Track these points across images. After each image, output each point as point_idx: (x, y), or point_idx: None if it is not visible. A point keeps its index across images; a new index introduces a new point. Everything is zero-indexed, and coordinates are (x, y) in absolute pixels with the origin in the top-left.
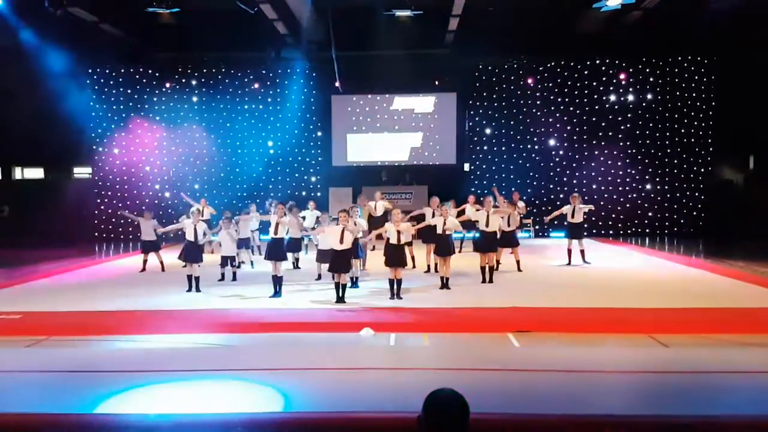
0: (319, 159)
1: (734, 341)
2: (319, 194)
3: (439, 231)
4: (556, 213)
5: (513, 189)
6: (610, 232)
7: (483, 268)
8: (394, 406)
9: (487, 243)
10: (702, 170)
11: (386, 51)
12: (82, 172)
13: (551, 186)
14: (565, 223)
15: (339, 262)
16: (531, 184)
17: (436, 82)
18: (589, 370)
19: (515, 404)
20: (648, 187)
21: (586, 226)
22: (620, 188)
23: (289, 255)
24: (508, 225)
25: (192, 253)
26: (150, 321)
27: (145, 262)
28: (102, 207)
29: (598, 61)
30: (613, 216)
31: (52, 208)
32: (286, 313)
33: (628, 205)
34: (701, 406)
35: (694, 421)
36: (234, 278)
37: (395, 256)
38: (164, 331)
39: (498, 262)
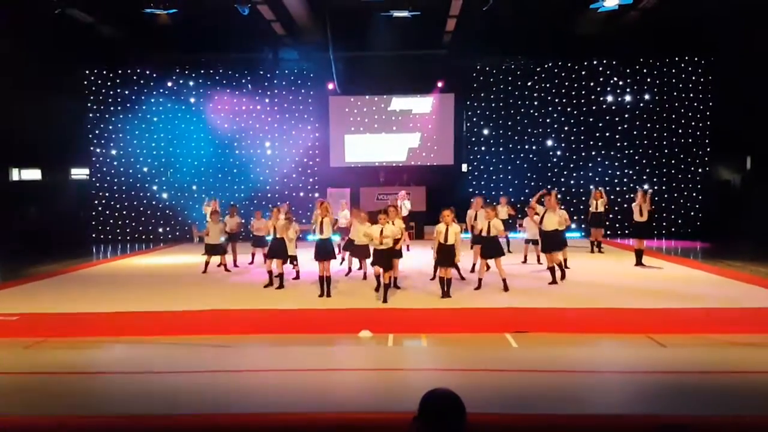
0: (317, 160)
1: (731, 341)
2: (317, 195)
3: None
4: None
5: (592, 188)
6: (608, 232)
7: (551, 269)
8: (392, 406)
9: (549, 242)
10: (699, 171)
11: (384, 52)
12: (79, 173)
13: (549, 187)
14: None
15: (321, 251)
16: (528, 185)
17: (438, 84)
18: (586, 371)
19: (512, 404)
20: (645, 187)
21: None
22: (617, 189)
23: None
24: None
25: (280, 250)
26: (147, 322)
27: (207, 264)
28: (100, 208)
29: (595, 62)
30: (611, 216)
31: (49, 209)
32: (284, 314)
33: (625, 206)
34: (699, 406)
35: (692, 421)
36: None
37: (382, 259)
38: (162, 332)
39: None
